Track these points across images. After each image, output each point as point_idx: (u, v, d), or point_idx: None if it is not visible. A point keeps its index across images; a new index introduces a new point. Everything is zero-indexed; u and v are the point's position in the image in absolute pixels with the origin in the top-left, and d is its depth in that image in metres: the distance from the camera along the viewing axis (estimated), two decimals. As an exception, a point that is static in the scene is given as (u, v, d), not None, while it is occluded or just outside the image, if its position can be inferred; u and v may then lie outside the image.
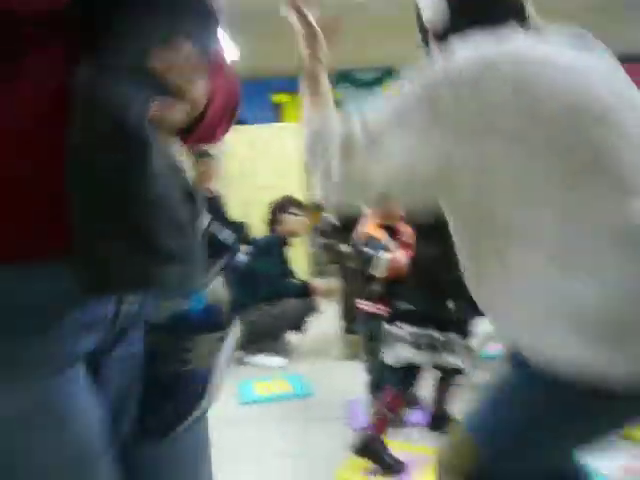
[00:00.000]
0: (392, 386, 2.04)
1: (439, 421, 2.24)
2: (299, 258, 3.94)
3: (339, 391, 2.81)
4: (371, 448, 1.98)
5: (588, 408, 0.88)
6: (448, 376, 2.22)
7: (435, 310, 2.05)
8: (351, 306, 2.92)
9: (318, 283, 3.51)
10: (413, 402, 2.37)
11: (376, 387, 2.37)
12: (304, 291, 3.46)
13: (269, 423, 2.50)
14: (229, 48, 5.89)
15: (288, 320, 3.35)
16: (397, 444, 2.14)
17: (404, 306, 2.07)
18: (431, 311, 2.04)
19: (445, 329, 2.04)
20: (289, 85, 7.01)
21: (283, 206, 3.55)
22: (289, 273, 3.64)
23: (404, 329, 2.02)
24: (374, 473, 1.96)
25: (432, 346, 2.01)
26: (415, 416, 2.38)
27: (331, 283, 3.67)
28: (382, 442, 1.99)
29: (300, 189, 4.98)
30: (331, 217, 5.35)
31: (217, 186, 4.78)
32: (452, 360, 2.06)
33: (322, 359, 3.41)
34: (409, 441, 2.23)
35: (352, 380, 2.81)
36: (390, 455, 1.99)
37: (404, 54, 6.85)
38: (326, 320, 3.77)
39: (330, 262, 4.04)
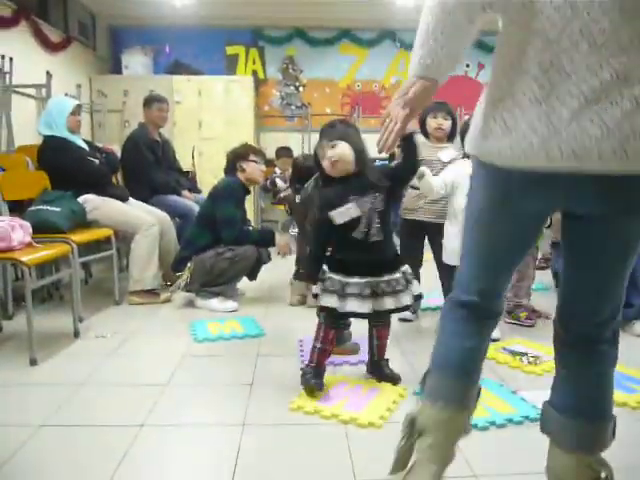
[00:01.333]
0: (326, 325, 2.17)
1: (375, 367, 2.34)
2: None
3: (290, 331, 2.94)
4: (309, 377, 2.15)
5: None
6: (376, 321, 2.28)
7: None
8: (305, 253, 3.01)
9: (282, 239, 3.56)
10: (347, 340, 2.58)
11: None
12: (269, 240, 3.50)
13: (223, 358, 2.61)
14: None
15: (243, 266, 3.41)
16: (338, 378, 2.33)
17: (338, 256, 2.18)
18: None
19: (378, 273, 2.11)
20: (244, 37, 6.94)
21: (246, 153, 3.56)
22: (247, 220, 3.70)
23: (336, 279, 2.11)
24: (329, 401, 2.09)
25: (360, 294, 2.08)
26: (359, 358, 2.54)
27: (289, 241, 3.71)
28: (320, 372, 2.18)
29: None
30: (278, 174, 5.45)
31: (167, 132, 4.78)
32: (384, 304, 2.11)
33: (273, 304, 3.53)
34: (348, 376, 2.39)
35: (302, 322, 2.95)
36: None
37: (360, 16, 6.91)
38: (277, 269, 3.88)
39: (290, 212, 4.08)
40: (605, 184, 1.14)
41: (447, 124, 3.01)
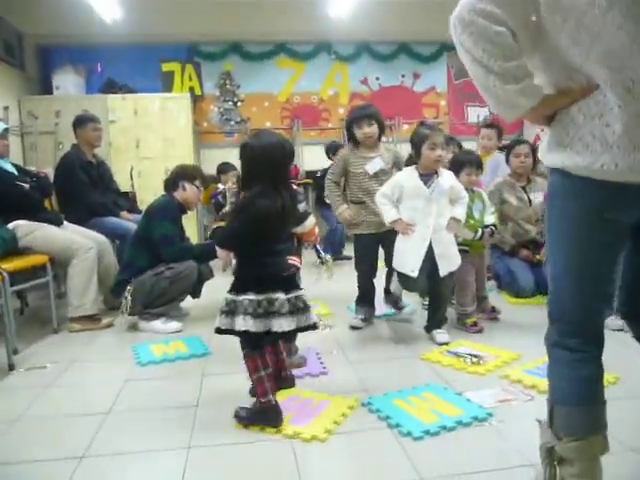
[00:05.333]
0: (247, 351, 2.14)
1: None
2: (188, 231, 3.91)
3: (236, 348, 2.88)
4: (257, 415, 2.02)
5: None
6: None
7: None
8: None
9: (222, 252, 3.50)
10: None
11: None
12: (210, 253, 3.29)
13: (168, 380, 2.55)
14: (113, 7, 5.56)
15: (184, 284, 3.35)
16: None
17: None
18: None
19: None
20: (179, 54, 6.87)
21: (192, 176, 3.53)
22: (186, 239, 3.63)
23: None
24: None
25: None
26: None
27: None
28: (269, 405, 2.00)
29: (185, 161, 4.88)
30: (221, 189, 5.41)
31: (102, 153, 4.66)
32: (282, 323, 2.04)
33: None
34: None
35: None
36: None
37: (295, 29, 6.96)
38: (221, 286, 3.82)
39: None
40: None
41: (373, 129, 3.07)
